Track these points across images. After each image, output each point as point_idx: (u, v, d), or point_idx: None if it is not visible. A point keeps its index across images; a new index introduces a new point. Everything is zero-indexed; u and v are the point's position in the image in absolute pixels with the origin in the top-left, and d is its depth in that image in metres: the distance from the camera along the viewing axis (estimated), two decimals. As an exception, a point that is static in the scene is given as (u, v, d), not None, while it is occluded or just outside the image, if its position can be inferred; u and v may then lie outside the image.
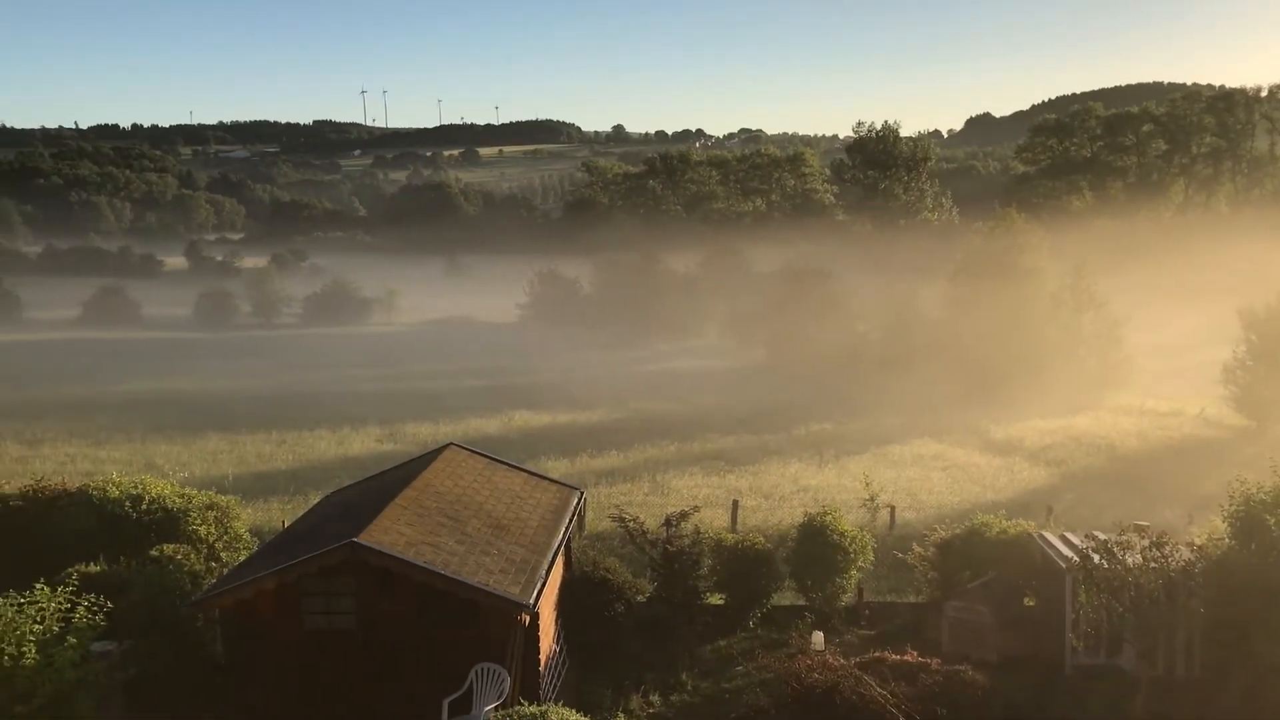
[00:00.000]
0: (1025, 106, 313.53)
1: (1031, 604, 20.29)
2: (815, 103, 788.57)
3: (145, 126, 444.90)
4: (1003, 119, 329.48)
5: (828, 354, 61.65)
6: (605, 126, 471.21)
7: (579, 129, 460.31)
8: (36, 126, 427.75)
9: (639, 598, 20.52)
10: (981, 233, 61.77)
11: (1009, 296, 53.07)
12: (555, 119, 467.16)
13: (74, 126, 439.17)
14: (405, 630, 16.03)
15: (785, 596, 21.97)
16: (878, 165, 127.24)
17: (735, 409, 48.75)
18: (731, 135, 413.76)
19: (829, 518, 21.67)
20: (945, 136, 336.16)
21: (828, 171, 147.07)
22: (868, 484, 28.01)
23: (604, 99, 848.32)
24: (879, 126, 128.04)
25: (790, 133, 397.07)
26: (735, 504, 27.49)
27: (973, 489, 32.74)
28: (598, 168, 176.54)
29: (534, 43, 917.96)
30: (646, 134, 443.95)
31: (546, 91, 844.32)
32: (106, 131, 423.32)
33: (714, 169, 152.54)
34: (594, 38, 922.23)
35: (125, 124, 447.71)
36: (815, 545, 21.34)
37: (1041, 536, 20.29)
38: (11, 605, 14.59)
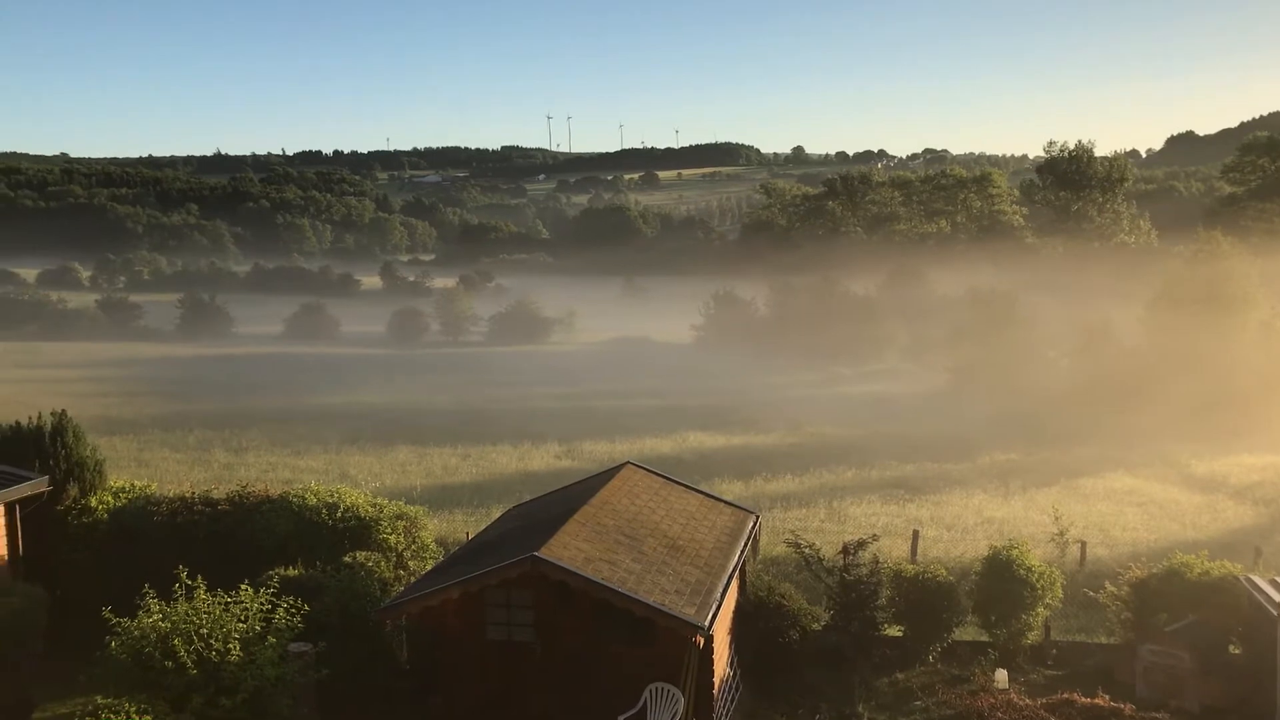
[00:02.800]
0: (1233, 124, 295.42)
1: (1237, 652, 19.00)
2: (1003, 122, 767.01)
3: (346, 153, 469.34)
4: (1207, 137, 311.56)
5: (1015, 381, 59.44)
6: (784, 148, 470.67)
7: (758, 151, 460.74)
8: (248, 153, 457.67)
9: (814, 625, 20.22)
10: (1183, 257, 58.64)
11: (1213, 324, 50.11)
12: (734, 141, 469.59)
13: (281, 153, 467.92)
14: (581, 645, 16.27)
15: (967, 632, 21.24)
16: (1070, 186, 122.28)
17: (916, 436, 47.54)
18: (915, 156, 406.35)
19: (1015, 551, 20.83)
20: (1144, 156, 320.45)
21: (1016, 192, 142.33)
22: (1057, 518, 26.83)
23: (784, 121, 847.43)
24: (1072, 146, 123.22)
25: (976, 153, 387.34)
26: (915, 534, 26.76)
27: (1171, 527, 30.91)
28: (776, 189, 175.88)
29: (714, 67, 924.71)
30: (826, 155, 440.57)
31: (726, 115, 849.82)
32: (310, 158, 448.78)
33: (896, 190, 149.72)
34: (773, 60, 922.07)
35: (328, 150, 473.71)
36: (1000, 580, 20.54)
37: (1249, 580, 18.96)
38: (219, 604, 15.50)
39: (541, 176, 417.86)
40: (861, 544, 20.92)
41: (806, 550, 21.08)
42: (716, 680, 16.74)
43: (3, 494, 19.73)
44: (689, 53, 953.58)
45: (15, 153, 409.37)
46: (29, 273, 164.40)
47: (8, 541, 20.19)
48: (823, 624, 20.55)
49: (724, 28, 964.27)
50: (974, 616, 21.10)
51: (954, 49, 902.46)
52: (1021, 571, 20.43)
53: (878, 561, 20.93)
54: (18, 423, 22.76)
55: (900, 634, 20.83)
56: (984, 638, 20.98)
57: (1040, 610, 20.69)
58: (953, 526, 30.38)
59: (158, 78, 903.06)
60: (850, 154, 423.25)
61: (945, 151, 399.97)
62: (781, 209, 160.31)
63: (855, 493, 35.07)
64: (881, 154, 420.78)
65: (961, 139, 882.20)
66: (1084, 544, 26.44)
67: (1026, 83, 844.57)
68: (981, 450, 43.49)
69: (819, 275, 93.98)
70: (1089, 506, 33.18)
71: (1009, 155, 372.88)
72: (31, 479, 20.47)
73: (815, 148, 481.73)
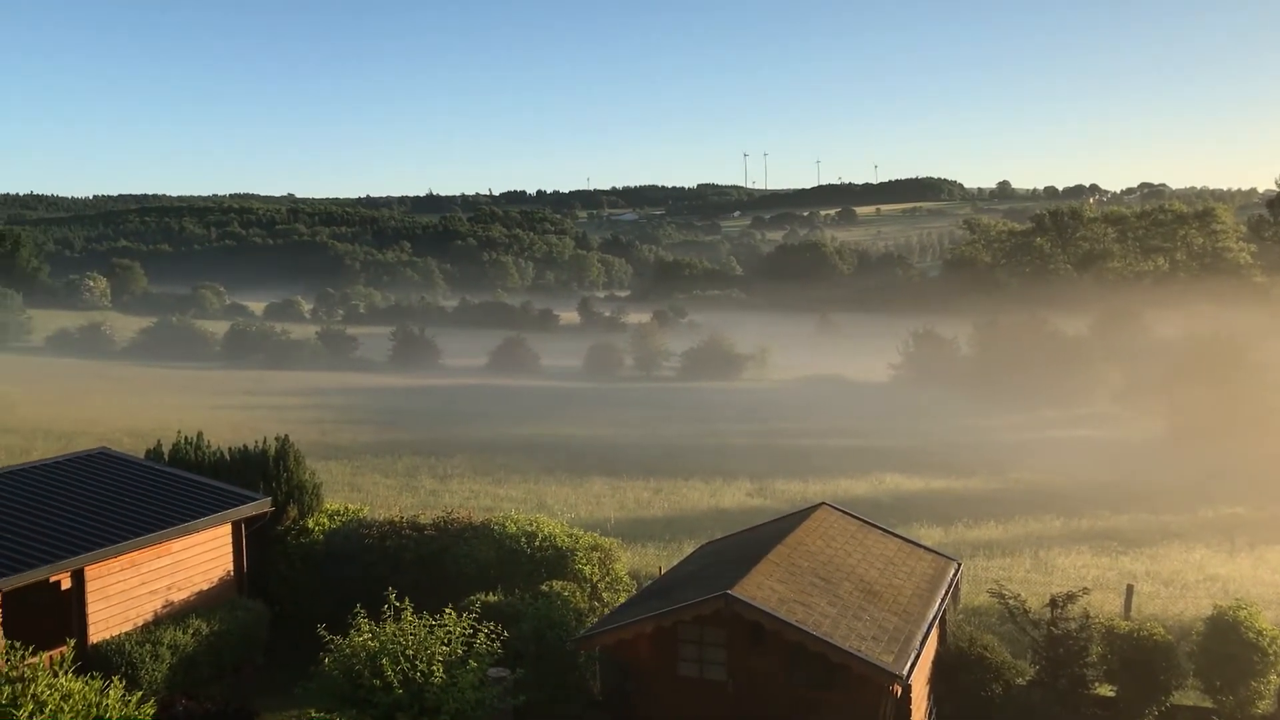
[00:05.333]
0: None
1: None
2: (1228, 154, 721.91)
3: (548, 192, 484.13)
4: None
5: (1242, 429, 55.51)
6: (989, 183, 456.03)
7: (961, 186, 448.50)
8: (458, 193, 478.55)
9: (1018, 680, 19.32)
10: None
11: None
12: (936, 176, 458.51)
13: (488, 193, 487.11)
14: (774, 688, 16.04)
15: (1188, 696, 19.83)
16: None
17: (1130, 484, 44.97)
18: (1130, 190, 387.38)
19: (1243, 612, 19.35)
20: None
21: (1243, 228, 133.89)
22: (1291, 578, 24.83)
23: (989, 155, 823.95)
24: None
25: (1198, 187, 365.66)
26: (1130, 588, 25.21)
27: None
28: (980, 225, 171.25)
29: (914, 100, 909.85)
30: (1034, 190, 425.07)
31: (927, 149, 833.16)
32: (515, 197, 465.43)
33: (1110, 226, 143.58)
34: (977, 92, 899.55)
35: (531, 190, 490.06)
36: (1226, 642, 19.10)
37: None
38: (425, 626, 16.06)
39: (736, 213, 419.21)
40: (1071, 597, 19.89)
41: (1011, 601, 20.21)
42: (914, 732, 16.19)
43: (232, 513, 21.13)
44: (888, 87, 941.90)
45: (248, 194, 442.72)
46: (257, 305, 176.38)
47: (234, 557, 21.57)
48: (1027, 679, 19.61)
49: (924, 61, 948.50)
50: (1195, 680, 19.71)
51: (1172, 77, 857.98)
52: (1251, 635, 18.96)
53: (1088, 616, 19.83)
54: (245, 446, 24.37)
55: (1112, 694, 19.65)
56: (1207, 703, 19.55)
57: (1272, 678, 19.12)
58: (1171, 582, 28.53)
59: (376, 124, 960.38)
60: (1059, 188, 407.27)
61: (1163, 185, 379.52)
62: (986, 245, 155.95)
63: (1063, 543, 33.45)
64: (1093, 188, 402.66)
65: (1181, 172, 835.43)
66: (1323, 609, 24.31)
67: (1254, 111, 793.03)
68: (1203, 502, 40.72)
69: (1026, 314, 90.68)
70: (1329, 568, 30.55)
71: (1234, 189, 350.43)
72: (256, 499, 21.84)
73: (1022, 182, 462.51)
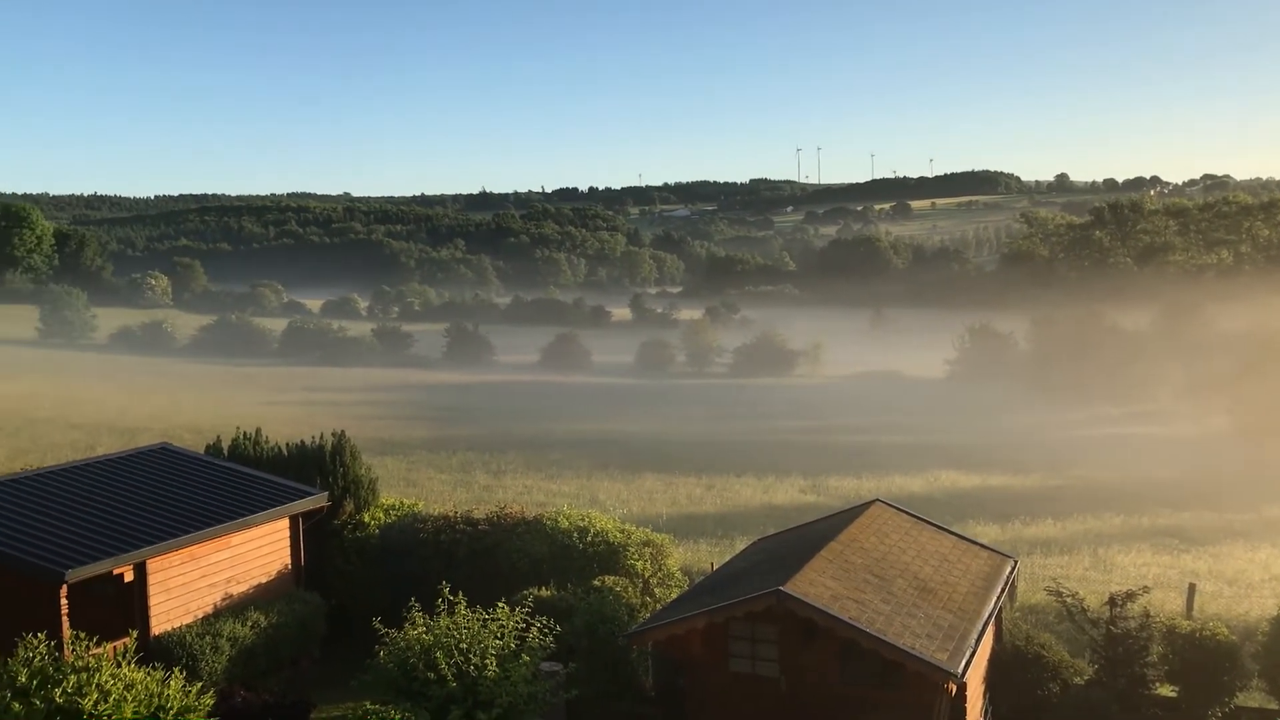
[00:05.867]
0: None
1: None
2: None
3: (600, 189, 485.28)
4: None
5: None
6: (1047, 175, 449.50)
7: (1018, 179, 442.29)
8: (510, 191, 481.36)
9: (1076, 679, 19.04)
10: None
11: None
12: (992, 169, 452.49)
13: (541, 190, 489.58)
14: (826, 685, 15.94)
15: (1253, 698, 19.41)
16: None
17: (1193, 482, 44.12)
18: (1192, 182, 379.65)
19: (1311, 613, 18.92)
20: None
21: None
22: (1361, 579, 24.20)
23: (1046, 147, 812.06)
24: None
25: (1264, 178, 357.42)
26: (1192, 587, 24.73)
27: None
28: (1038, 218, 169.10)
29: (970, 92, 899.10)
30: (1093, 182, 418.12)
31: (984, 142, 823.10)
32: (567, 194, 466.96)
33: (1171, 218, 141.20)
34: (1034, 83, 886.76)
35: (583, 187, 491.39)
36: (1292, 644, 18.69)
37: None
38: (478, 620, 16.16)
39: (789, 209, 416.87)
40: (1130, 595, 19.55)
41: (1069, 599, 19.91)
42: (969, 731, 16.02)
43: (290, 507, 21.41)
44: (943, 78, 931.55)
45: (305, 193, 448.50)
46: (314, 303, 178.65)
47: (292, 551, 21.87)
48: (1085, 679, 19.32)
49: (980, 52, 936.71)
50: (1260, 681, 19.29)
51: (1235, 64, 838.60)
52: (1318, 636, 18.51)
53: (1148, 615, 19.48)
54: (302, 442, 24.68)
55: (1173, 694, 19.30)
56: (1272, 705, 19.13)
57: (1341, 680, 18.66)
58: (1234, 582, 27.99)
59: (430, 123, 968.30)
60: (1119, 181, 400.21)
61: (1227, 177, 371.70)
62: (1044, 239, 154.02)
63: (1123, 541, 32.97)
64: (1154, 180, 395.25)
65: (1246, 163, 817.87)
66: (1397, 610, 23.64)
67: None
68: (1268, 501, 39.90)
69: (1084, 308, 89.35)
70: (1402, 568, 29.76)
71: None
72: (313, 494, 22.11)
73: (1080, 174, 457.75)
